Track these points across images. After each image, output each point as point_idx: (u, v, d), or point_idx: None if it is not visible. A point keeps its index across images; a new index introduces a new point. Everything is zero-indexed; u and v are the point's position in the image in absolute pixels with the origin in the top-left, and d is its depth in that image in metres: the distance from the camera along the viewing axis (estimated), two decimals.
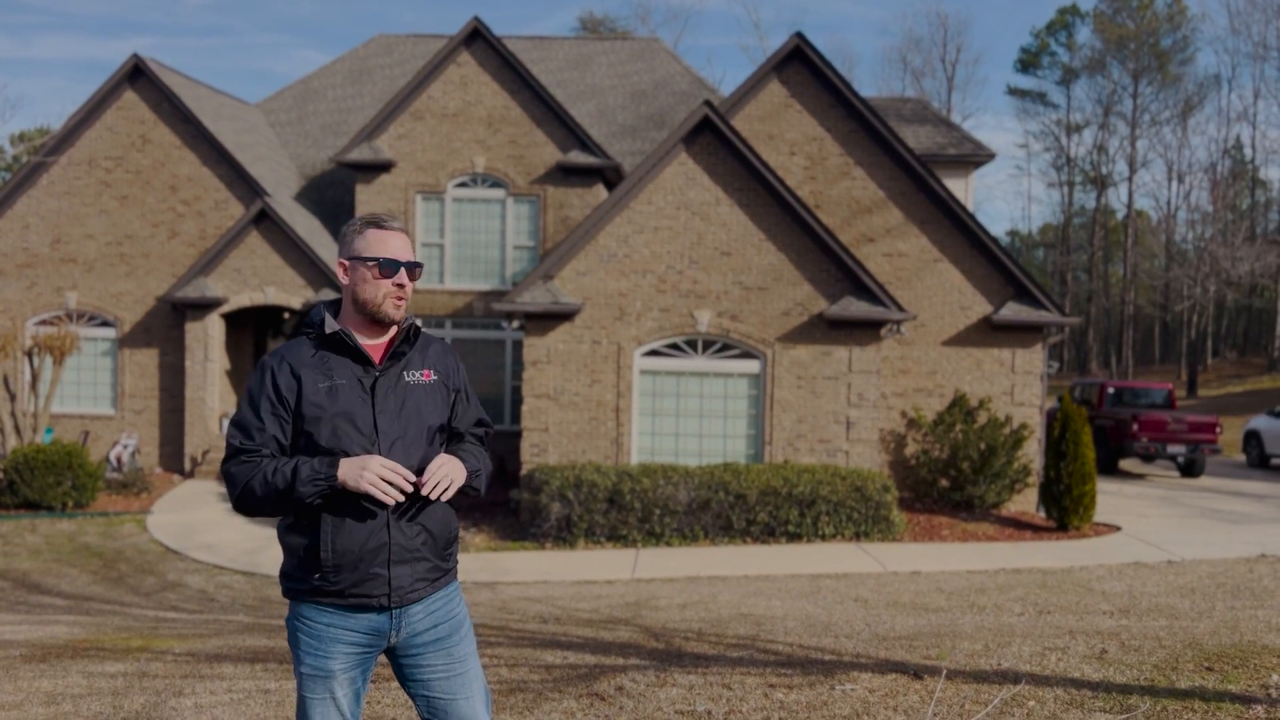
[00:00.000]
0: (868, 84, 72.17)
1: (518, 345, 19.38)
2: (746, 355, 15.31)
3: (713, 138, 15.21)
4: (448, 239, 19.93)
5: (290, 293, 18.85)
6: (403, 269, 2.83)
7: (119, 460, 18.31)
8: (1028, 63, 59.68)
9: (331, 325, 2.82)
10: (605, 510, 13.78)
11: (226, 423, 19.07)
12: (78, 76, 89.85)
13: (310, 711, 2.81)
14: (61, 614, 10.47)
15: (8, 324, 19.36)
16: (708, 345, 15.38)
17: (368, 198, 19.87)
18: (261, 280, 18.88)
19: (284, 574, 2.85)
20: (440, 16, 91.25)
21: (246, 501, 2.74)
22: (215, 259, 18.82)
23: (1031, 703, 4.80)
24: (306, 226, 19.60)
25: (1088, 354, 58.11)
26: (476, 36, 19.66)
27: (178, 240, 19.65)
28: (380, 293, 2.82)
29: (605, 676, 5.81)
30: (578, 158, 19.42)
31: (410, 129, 19.80)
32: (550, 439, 15.26)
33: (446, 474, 2.74)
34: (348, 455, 2.74)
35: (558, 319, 15.31)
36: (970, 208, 17.90)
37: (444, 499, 2.77)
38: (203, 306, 18.84)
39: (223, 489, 17.63)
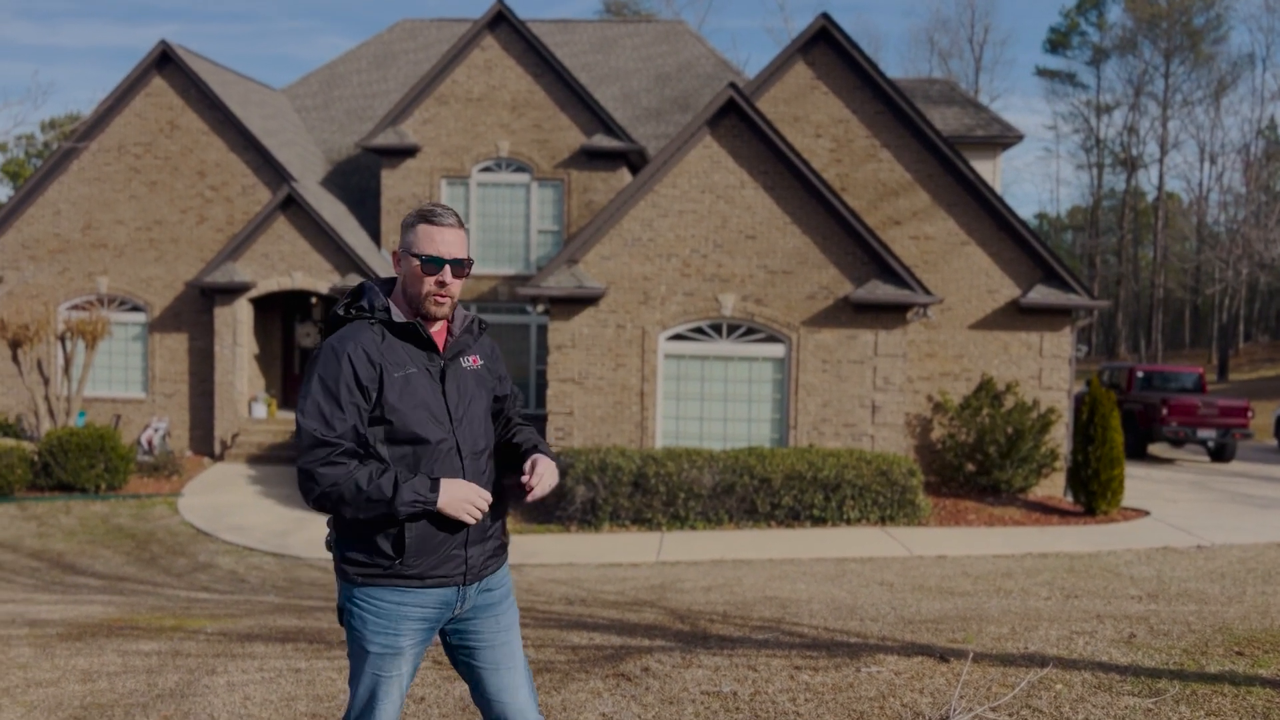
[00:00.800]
0: (894, 66, 71.50)
1: (542, 330, 19.42)
2: (771, 339, 15.27)
3: (737, 120, 15.14)
4: (472, 223, 19.98)
5: (317, 277, 18.97)
6: (446, 266, 2.85)
7: (150, 443, 18.54)
8: (1057, 43, 58.90)
9: (399, 315, 2.89)
10: (630, 493, 13.82)
11: (257, 406, 19.28)
12: (105, 63, 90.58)
13: (378, 689, 2.87)
14: (96, 594, 10.65)
15: (41, 309, 19.60)
16: (732, 329, 15.35)
17: (393, 182, 19.94)
18: (289, 265, 19.02)
19: (349, 560, 2.84)
20: (464, 0, 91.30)
21: (329, 502, 2.74)
22: (243, 244, 18.96)
23: (1059, 686, 4.79)
24: (333, 211, 19.70)
25: (1117, 338, 57.52)
26: (500, 20, 19.64)
27: (206, 225, 19.82)
28: (424, 290, 2.86)
29: (631, 657, 5.85)
30: (602, 141, 19.38)
31: (435, 113, 19.83)
32: (575, 423, 15.31)
33: (551, 479, 2.93)
34: (425, 441, 2.82)
35: (582, 303, 15.33)
36: (998, 190, 17.73)
37: (540, 495, 2.93)
38: (231, 291, 19.00)
39: (253, 471, 17.81)
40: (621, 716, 4.65)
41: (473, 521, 2.80)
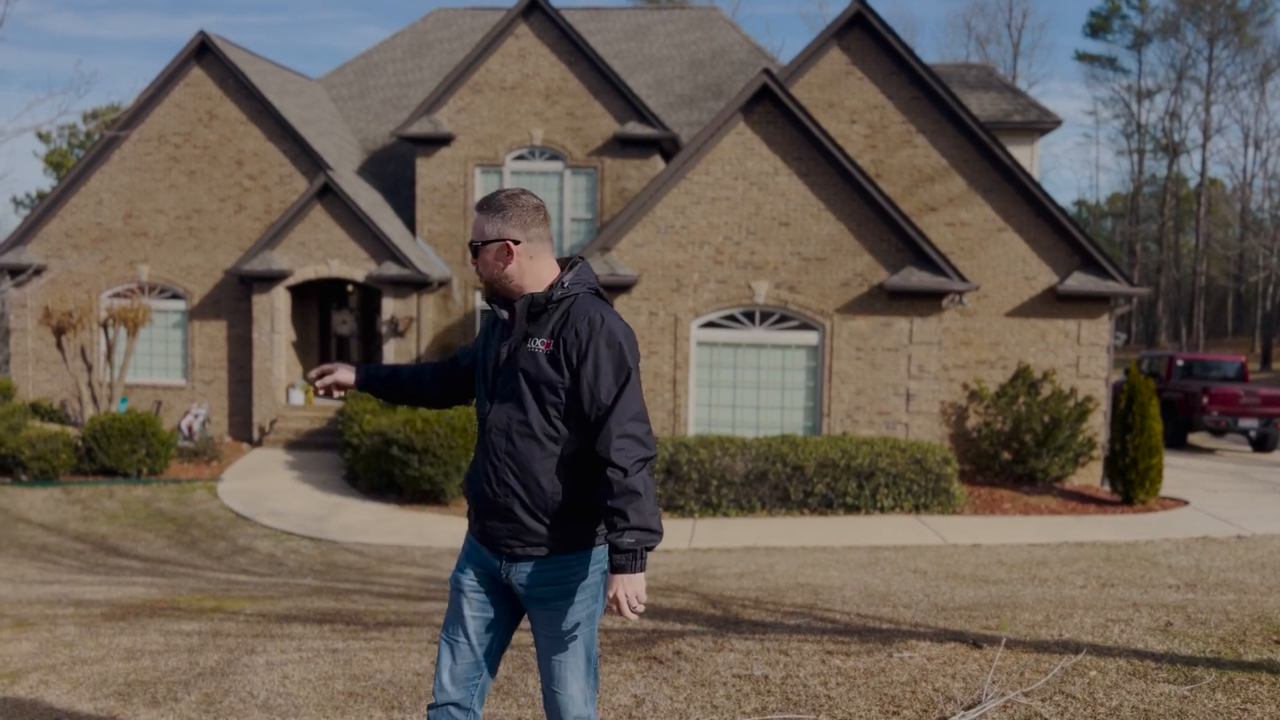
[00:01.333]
0: (930, 51, 70.65)
1: None
2: (805, 326, 15.22)
3: (771, 106, 15.07)
4: None
5: (353, 266, 19.14)
6: (477, 247, 3.05)
7: (190, 429, 18.82)
8: (1097, 27, 57.96)
9: (488, 300, 3.11)
10: (662, 481, 13.85)
11: (295, 393, 19.52)
12: (146, 54, 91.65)
13: (450, 606, 3.16)
14: (138, 575, 10.86)
15: (83, 297, 19.93)
16: (765, 316, 15.31)
17: (428, 171, 20.05)
18: (325, 253, 19.20)
19: None
20: None
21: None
22: (280, 233, 19.16)
23: (1093, 673, 4.76)
24: (369, 200, 19.85)
25: (1157, 326, 56.67)
26: (534, 8, 19.65)
27: (244, 214, 20.05)
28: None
29: (663, 641, 5.88)
30: (635, 129, 19.37)
31: (469, 102, 19.90)
32: None
33: (627, 596, 2.82)
34: (480, 409, 3.11)
35: (615, 291, 15.35)
36: (1036, 176, 17.52)
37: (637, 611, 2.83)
38: (269, 279, 19.21)
39: (290, 457, 18.12)
40: (654, 698, 4.68)
41: (636, 605, 2.80)
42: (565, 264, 3.06)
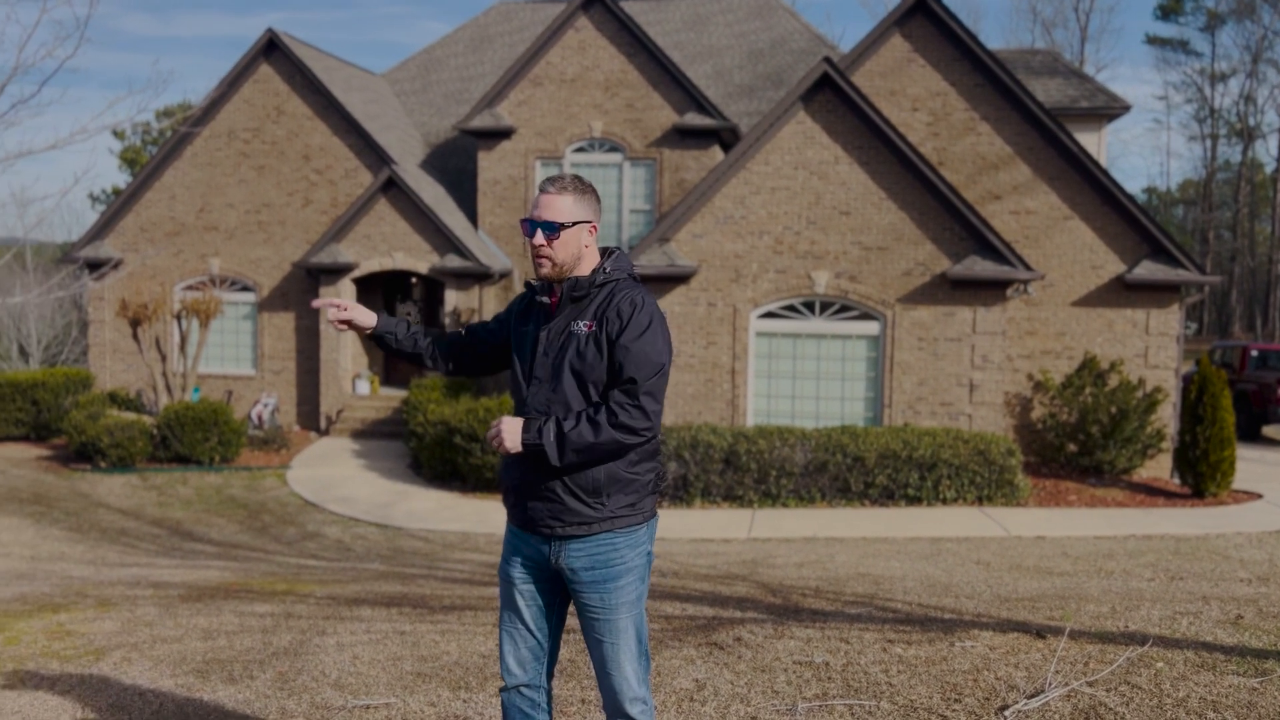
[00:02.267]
0: (994, 37, 69.35)
1: None
2: (865, 316, 15.11)
3: (832, 95, 14.97)
4: None
5: (417, 258, 19.43)
6: (538, 230, 3.04)
7: (259, 418, 19.29)
8: (1169, 9, 56.39)
9: (531, 281, 3.22)
10: (721, 471, 13.88)
11: (360, 383, 19.89)
12: (215, 52, 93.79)
13: (502, 612, 3.24)
14: (212, 559, 11.19)
15: (157, 289, 20.50)
16: (825, 306, 15.23)
17: (489, 164, 20.25)
18: (390, 246, 19.51)
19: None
20: None
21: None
22: (346, 226, 19.52)
23: (1160, 664, 4.70)
24: (431, 194, 20.12)
25: (1230, 316, 55.08)
26: (594, 1, 19.72)
27: (311, 208, 20.46)
28: (529, 251, 3.18)
29: (723, 628, 5.93)
30: (694, 119, 19.36)
31: (529, 95, 20.06)
32: (666, 400, 15.41)
33: (501, 433, 2.97)
34: (517, 390, 3.16)
35: (674, 281, 15.38)
36: (1103, 163, 17.16)
37: (503, 450, 2.98)
38: (335, 271, 19.59)
39: (356, 446, 18.46)
40: (715, 682, 4.73)
41: (498, 443, 2.95)
42: (604, 253, 3.16)
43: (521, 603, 3.16)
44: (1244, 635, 5.32)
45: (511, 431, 2.95)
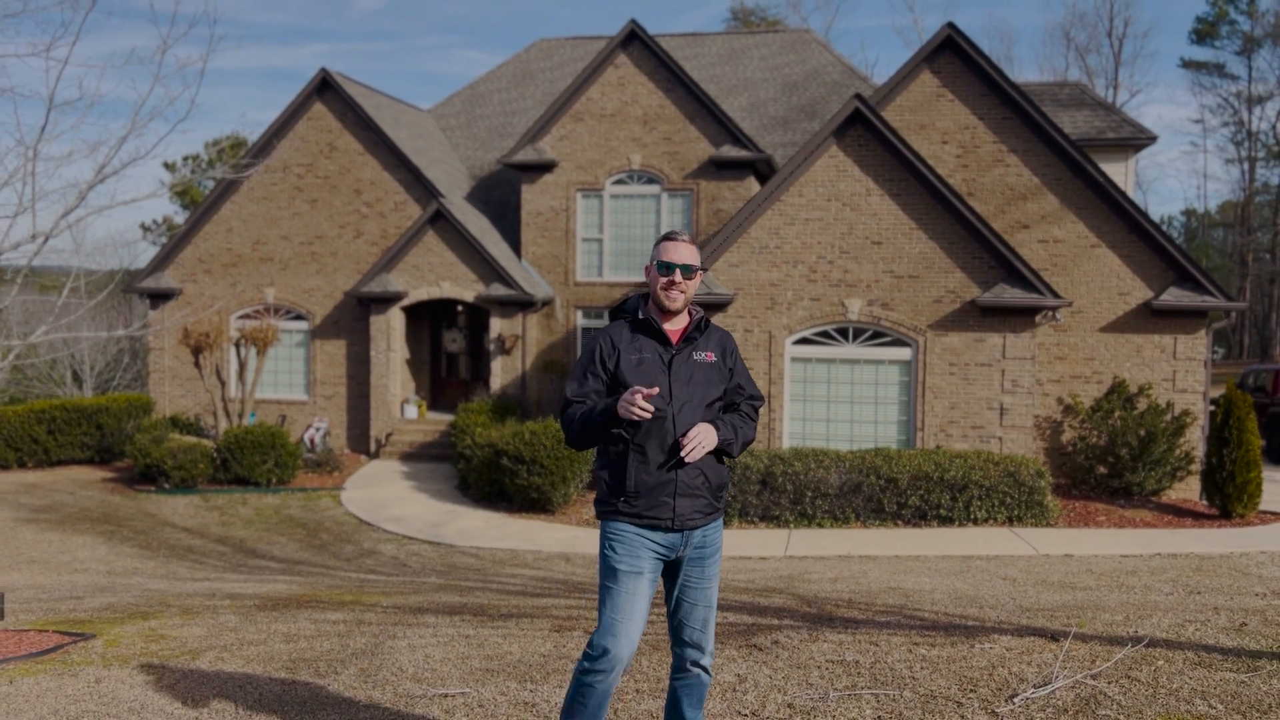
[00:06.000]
0: (1028, 63, 69.39)
1: None
2: (898, 342, 15.59)
3: (863, 130, 15.52)
4: (606, 234, 20.86)
5: (464, 287, 20.18)
6: (677, 270, 3.71)
7: (312, 441, 20.06)
8: (1204, 33, 56.38)
9: (644, 313, 3.76)
10: (758, 491, 14.37)
11: (409, 407, 20.60)
12: (263, 84, 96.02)
13: (619, 602, 3.69)
14: (278, 574, 11.84)
15: (215, 318, 21.38)
16: (858, 333, 15.73)
17: (531, 196, 21.00)
18: (437, 276, 20.28)
19: (597, 500, 3.77)
20: (598, 11, 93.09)
21: (570, 430, 3.71)
22: (396, 256, 20.33)
23: (1160, 662, 5.17)
24: (477, 225, 20.89)
25: (1270, 339, 54.62)
26: (633, 39, 20.47)
27: (362, 239, 21.29)
28: (658, 287, 3.74)
29: (762, 632, 6.44)
30: (730, 152, 19.99)
31: (571, 130, 20.80)
32: None
33: (700, 440, 3.58)
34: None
35: (711, 309, 15.96)
36: (1130, 191, 17.55)
37: (693, 458, 3.57)
38: (385, 300, 20.38)
39: (405, 468, 19.14)
40: (754, 676, 5.26)
41: (635, 414, 3.46)
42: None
43: (644, 593, 3.72)
44: (1244, 639, 5.76)
45: (709, 433, 3.61)
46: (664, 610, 3.98)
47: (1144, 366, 15.91)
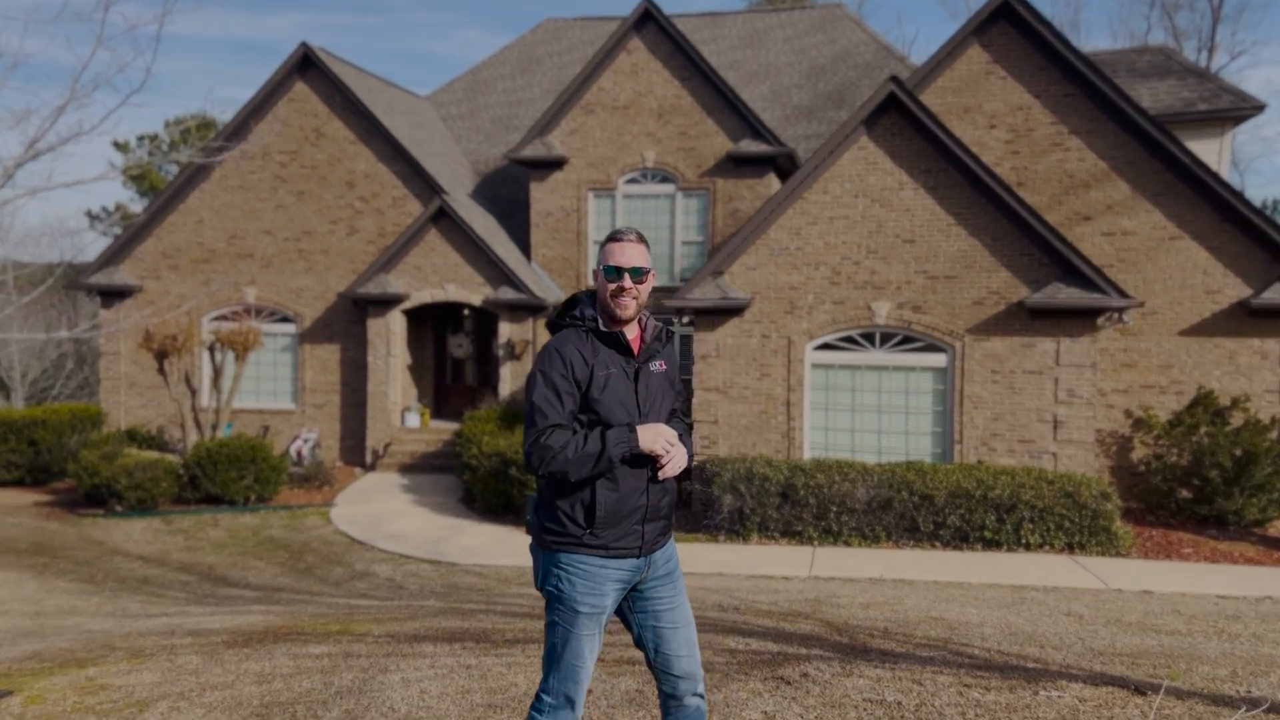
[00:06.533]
0: (1098, 28, 66.79)
1: (686, 339, 19.92)
2: (931, 348, 15.29)
3: (897, 117, 15.25)
4: None
5: (470, 290, 19.99)
6: (626, 274, 3.63)
7: (299, 454, 19.84)
8: None
9: (605, 326, 3.67)
10: (778, 505, 14.11)
11: (410, 416, 20.43)
12: (230, 57, 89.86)
13: (581, 647, 3.59)
14: (252, 604, 11.29)
15: (184, 319, 20.61)
16: (886, 338, 15.44)
17: (541, 195, 20.82)
18: (441, 278, 20.10)
19: (548, 530, 3.61)
20: None
21: (556, 465, 3.51)
22: (395, 256, 20.16)
23: None
24: (483, 224, 20.72)
25: None
26: (647, 20, 20.27)
27: (356, 237, 21.05)
28: (606, 294, 3.65)
29: (789, 663, 6.19)
30: (749, 146, 19.76)
31: (581, 123, 20.62)
32: (720, 431, 15.72)
33: (675, 457, 3.58)
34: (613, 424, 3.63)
35: (727, 314, 15.74)
36: (1225, 171, 16.71)
37: (669, 474, 3.62)
38: (384, 303, 20.20)
39: (405, 480, 18.92)
40: (784, 714, 5.01)
41: (665, 451, 3.51)
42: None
43: (599, 635, 3.63)
44: None
45: (682, 451, 3.61)
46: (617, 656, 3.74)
47: (1238, 375, 15.28)
